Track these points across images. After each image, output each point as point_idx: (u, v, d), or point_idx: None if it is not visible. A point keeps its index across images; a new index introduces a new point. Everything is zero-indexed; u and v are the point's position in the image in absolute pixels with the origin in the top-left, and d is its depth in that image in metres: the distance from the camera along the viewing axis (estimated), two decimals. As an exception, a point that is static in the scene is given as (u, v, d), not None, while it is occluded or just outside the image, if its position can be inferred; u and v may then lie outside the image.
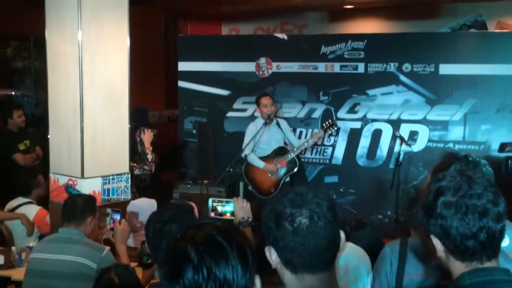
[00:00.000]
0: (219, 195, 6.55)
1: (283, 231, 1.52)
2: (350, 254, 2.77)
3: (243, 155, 6.03)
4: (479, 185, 1.57)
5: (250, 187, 6.14)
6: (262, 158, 6.03)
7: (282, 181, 6.04)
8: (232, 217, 3.01)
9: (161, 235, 2.38)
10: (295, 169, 6.05)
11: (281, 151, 6.03)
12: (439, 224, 1.58)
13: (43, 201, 5.10)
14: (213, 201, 3.24)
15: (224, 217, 3.19)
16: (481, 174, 2.26)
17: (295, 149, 5.97)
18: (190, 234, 1.41)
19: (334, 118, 6.92)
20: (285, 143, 6.13)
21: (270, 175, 6.01)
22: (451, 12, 9.09)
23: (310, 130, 6.34)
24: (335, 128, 6.09)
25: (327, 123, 5.99)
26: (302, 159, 6.26)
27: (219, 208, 3.22)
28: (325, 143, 6.99)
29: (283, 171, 6.00)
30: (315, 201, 1.53)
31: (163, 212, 2.48)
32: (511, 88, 6.37)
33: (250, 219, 2.86)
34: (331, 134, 6.25)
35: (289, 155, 5.95)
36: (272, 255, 1.57)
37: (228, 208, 3.17)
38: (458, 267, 1.59)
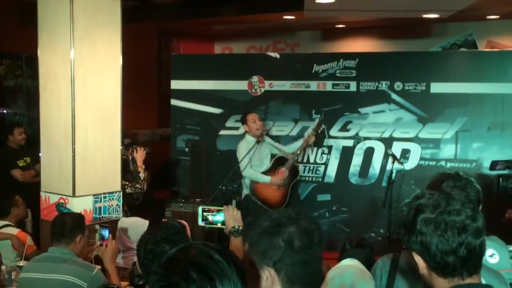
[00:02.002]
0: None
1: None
2: (346, 273, 2.74)
3: (244, 174, 6.00)
4: (457, 202, 1.59)
5: (259, 203, 5.98)
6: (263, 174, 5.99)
7: (289, 190, 6.03)
8: (223, 227, 2.96)
9: (153, 256, 2.34)
10: (298, 175, 6.18)
11: (279, 162, 6.00)
12: (419, 241, 1.59)
13: (22, 223, 5.07)
14: (204, 210, 3.14)
15: (214, 226, 3.10)
16: (474, 190, 2.29)
17: (292, 154, 5.97)
18: (185, 255, 1.40)
19: (327, 136, 6.95)
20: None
21: (277, 188, 5.97)
22: (441, 32, 9.19)
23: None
24: (324, 127, 6.18)
25: (315, 123, 6.05)
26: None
27: (210, 218, 3.13)
28: (318, 161, 7.00)
29: (286, 180, 5.99)
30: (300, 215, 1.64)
31: (154, 233, 2.44)
32: (502, 107, 6.42)
33: (241, 228, 2.82)
34: (321, 131, 6.16)
35: (289, 163, 5.94)
36: (268, 279, 1.64)
37: (219, 217, 3.08)
38: (440, 284, 1.60)
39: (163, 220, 4.05)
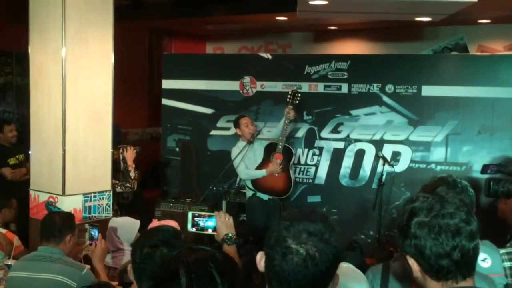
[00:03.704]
0: (202, 213, 6.48)
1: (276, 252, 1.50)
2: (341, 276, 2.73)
3: (241, 177, 6.04)
4: (451, 205, 1.59)
5: (269, 197, 5.94)
6: (258, 168, 5.91)
7: (290, 173, 5.99)
8: (214, 233, 2.82)
9: (150, 260, 2.23)
10: (294, 154, 6.13)
11: (270, 149, 5.92)
12: (413, 244, 1.59)
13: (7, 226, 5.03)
14: (194, 216, 2.97)
15: (205, 232, 2.96)
16: (467, 199, 2.29)
17: (280, 137, 5.87)
18: (185, 256, 1.38)
19: (318, 138, 6.96)
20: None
21: (277, 175, 5.89)
22: (433, 35, 9.22)
23: (294, 150, 6.34)
24: (299, 95, 5.89)
25: (289, 95, 5.87)
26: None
27: (201, 223, 2.97)
28: (308, 162, 7.00)
29: (284, 162, 5.91)
30: (320, 245, 1.48)
31: (151, 236, 2.34)
32: (492, 110, 6.45)
33: (234, 236, 2.71)
34: (299, 100, 5.89)
35: (279, 145, 5.85)
36: (261, 261, 1.55)
37: (210, 223, 2.93)
38: (434, 287, 1.60)
39: (153, 219, 4.02)
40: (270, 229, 1.55)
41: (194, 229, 2.97)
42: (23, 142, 6.41)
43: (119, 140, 6.88)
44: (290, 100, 5.85)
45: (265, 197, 5.92)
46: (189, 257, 1.37)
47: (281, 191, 5.93)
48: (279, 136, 5.89)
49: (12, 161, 6.10)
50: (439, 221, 1.56)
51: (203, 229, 2.96)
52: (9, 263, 3.84)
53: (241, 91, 7.27)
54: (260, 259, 1.56)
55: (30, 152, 4.92)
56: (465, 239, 1.55)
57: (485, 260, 2.38)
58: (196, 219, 2.98)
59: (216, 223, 2.80)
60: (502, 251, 2.70)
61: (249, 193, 6.00)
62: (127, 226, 4.12)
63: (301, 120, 6.98)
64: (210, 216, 2.94)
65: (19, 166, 6.11)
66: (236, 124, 6.01)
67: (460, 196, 2.26)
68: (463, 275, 1.58)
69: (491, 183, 3.83)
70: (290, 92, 5.90)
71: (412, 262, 1.61)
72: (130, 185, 5.25)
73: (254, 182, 5.90)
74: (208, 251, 1.41)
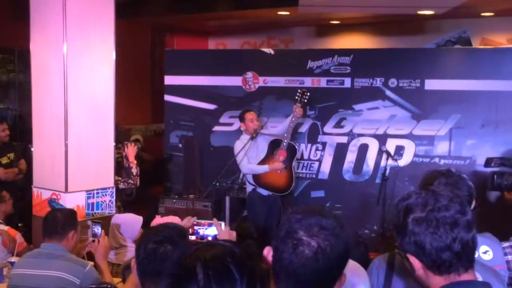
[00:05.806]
0: (205, 209, 6.51)
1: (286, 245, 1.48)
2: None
3: (243, 172, 6.02)
4: (444, 198, 1.59)
5: (269, 193, 5.94)
6: (260, 163, 5.91)
7: (293, 170, 5.98)
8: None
9: (154, 256, 2.21)
10: (297, 152, 6.10)
11: (274, 145, 5.93)
12: (413, 241, 1.58)
13: (10, 219, 5.03)
14: (193, 224, 2.94)
15: (205, 241, 2.94)
16: (466, 186, 2.28)
17: (285, 134, 5.90)
18: (202, 252, 1.35)
19: (321, 133, 6.95)
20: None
21: (279, 172, 5.90)
22: (436, 28, 9.18)
23: (297, 145, 6.32)
24: (308, 94, 5.98)
25: (298, 93, 5.96)
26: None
27: (200, 232, 2.97)
28: (312, 157, 6.99)
29: (286, 160, 5.91)
30: (331, 239, 1.47)
31: (158, 232, 2.32)
32: (495, 104, 6.42)
33: None
34: (307, 99, 6.01)
35: (284, 142, 5.88)
36: (269, 255, 1.54)
37: (210, 231, 2.93)
38: (437, 282, 1.59)
39: (156, 216, 4.02)
40: (280, 222, 1.54)
41: (193, 238, 2.97)
42: (14, 140, 6.40)
43: (117, 138, 6.89)
44: (299, 99, 5.91)
45: (264, 192, 5.92)
46: (206, 253, 1.34)
47: (281, 188, 5.93)
48: (285, 133, 5.89)
49: (4, 160, 6.08)
50: (436, 215, 1.56)
51: (202, 237, 2.97)
52: (12, 260, 3.85)
53: (243, 87, 7.25)
54: (268, 253, 1.54)
55: (32, 149, 4.91)
56: (463, 230, 1.55)
57: (487, 252, 2.37)
58: (195, 227, 2.97)
59: (218, 232, 2.75)
60: (506, 244, 2.69)
61: (249, 188, 6.00)
62: (130, 223, 4.13)
63: (304, 115, 6.95)
64: (209, 224, 2.95)
65: (10, 165, 6.09)
66: (242, 118, 6.01)
67: (458, 185, 2.26)
68: (465, 267, 1.58)
69: (495, 176, 3.83)
70: (299, 91, 5.98)
71: (413, 260, 1.60)
72: (132, 182, 5.26)
73: (256, 177, 5.90)
74: (226, 246, 1.38)
